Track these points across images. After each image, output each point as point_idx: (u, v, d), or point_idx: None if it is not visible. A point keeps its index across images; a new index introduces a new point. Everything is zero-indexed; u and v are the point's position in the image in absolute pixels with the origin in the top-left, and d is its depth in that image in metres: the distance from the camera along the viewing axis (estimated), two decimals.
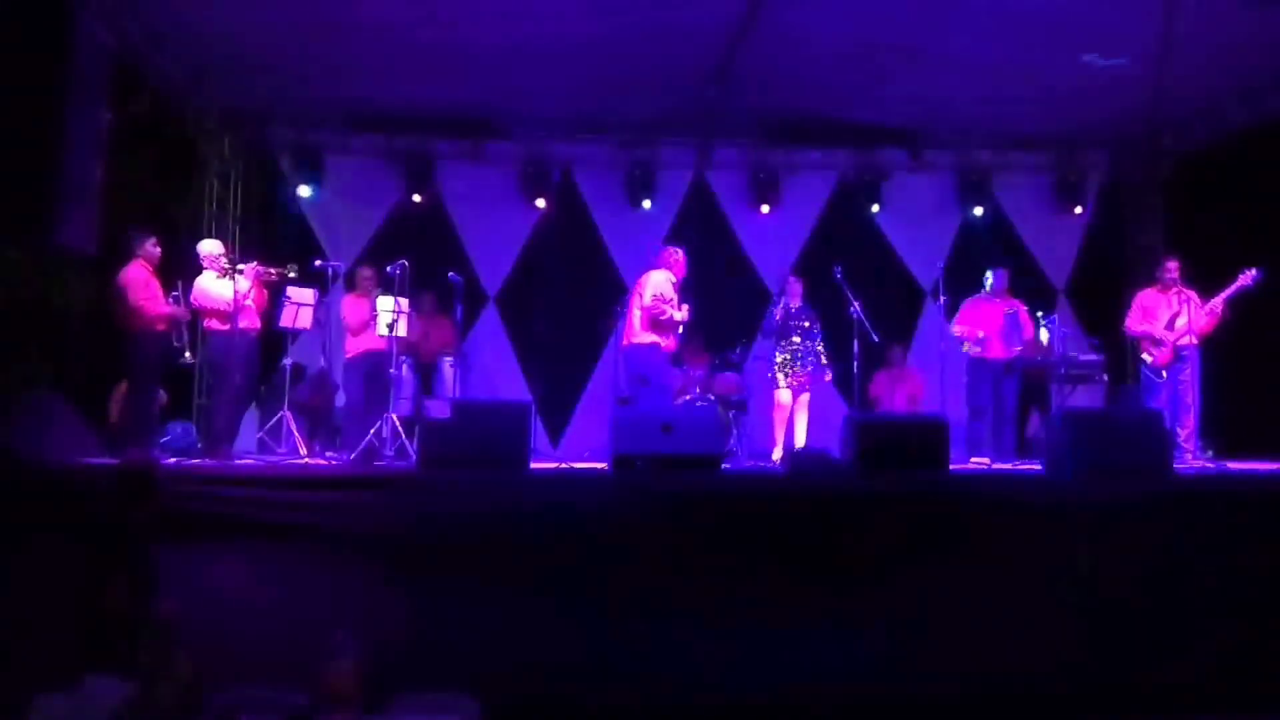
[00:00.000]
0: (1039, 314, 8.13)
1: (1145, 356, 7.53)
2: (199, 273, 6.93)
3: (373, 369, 7.43)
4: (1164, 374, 7.40)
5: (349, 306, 7.78)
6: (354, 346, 7.68)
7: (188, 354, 6.76)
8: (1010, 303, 8.09)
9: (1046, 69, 7.92)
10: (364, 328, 7.49)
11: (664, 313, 6.97)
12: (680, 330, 7.30)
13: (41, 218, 6.21)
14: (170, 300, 6.67)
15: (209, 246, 7.12)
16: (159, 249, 6.72)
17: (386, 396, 7.01)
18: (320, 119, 9.29)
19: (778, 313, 7.95)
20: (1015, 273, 8.42)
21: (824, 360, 7.88)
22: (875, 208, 9.95)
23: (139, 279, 6.52)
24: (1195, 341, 7.31)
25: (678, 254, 7.33)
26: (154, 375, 6.65)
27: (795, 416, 7.81)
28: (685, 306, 7.16)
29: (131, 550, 3.75)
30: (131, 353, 6.51)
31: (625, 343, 7.16)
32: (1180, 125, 9.23)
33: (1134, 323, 7.64)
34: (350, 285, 8.17)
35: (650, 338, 7.04)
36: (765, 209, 9.93)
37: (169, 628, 2.93)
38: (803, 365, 7.77)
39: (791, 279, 8.15)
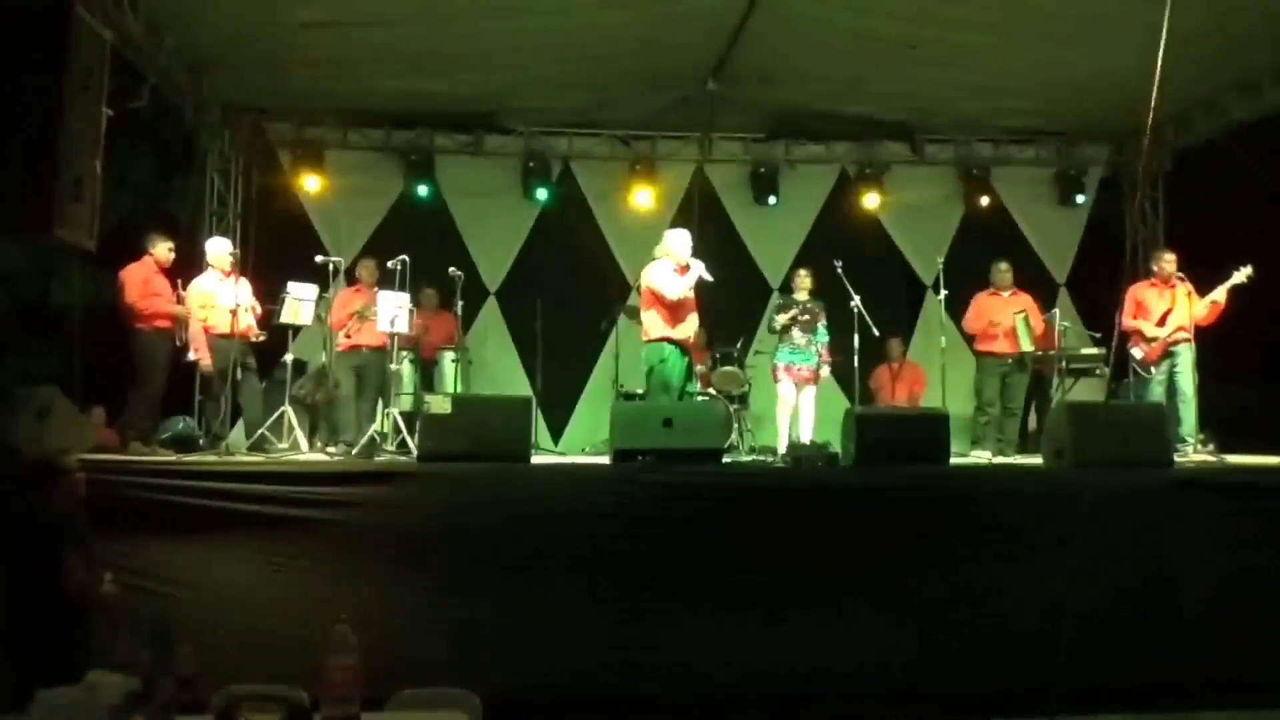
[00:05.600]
0: (1055, 310, 8.13)
1: (1135, 352, 7.43)
2: (201, 270, 6.92)
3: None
4: (1152, 370, 7.32)
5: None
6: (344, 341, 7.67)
7: (190, 354, 6.75)
8: (1019, 297, 8.08)
9: (1046, 62, 7.89)
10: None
11: (680, 290, 6.74)
12: (695, 288, 6.88)
13: (41, 214, 6.20)
14: (175, 299, 6.67)
15: (216, 246, 7.08)
16: (173, 254, 6.71)
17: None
18: (321, 114, 9.26)
19: (791, 307, 7.81)
20: (1017, 267, 8.42)
21: (825, 355, 7.82)
22: (875, 201, 9.93)
23: (137, 276, 6.51)
24: (1190, 334, 7.26)
25: (677, 238, 6.97)
26: (155, 371, 6.63)
27: (799, 411, 7.75)
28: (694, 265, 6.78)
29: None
30: (130, 348, 6.51)
31: (645, 339, 6.96)
32: (1180, 118, 9.21)
33: (1126, 318, 7.55)
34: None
35: (667, 333, 6.82)
36: (771, 200, 9.89)
37: (170, 623, 2.94)
38: (806, 359, 7.75)
39: (800, 272, 8.09)
